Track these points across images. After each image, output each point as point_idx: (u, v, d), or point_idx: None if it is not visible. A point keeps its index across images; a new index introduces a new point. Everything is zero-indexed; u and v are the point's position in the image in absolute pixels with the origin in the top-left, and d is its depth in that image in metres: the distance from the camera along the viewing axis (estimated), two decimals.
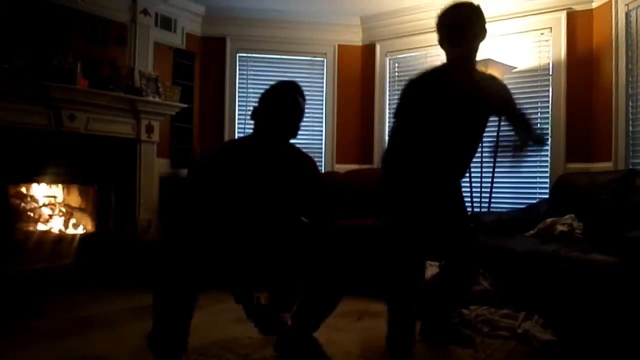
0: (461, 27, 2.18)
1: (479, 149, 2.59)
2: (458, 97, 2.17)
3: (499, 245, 3.10)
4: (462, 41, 2.19)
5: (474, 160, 3.99)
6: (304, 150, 2.33)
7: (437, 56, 4.41)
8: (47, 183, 3.75)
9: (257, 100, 2.16)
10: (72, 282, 3.35)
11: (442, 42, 2.26)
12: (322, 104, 4.89)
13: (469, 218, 2.76)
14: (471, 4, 2.23)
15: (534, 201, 3.86)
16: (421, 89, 2.22)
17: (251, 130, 2.22)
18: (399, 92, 2.31)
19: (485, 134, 2.52)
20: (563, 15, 3.89)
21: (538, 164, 4.05)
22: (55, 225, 3.81)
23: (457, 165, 2.41)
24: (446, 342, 2.46)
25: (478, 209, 4.01)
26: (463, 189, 4.27)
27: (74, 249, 3.72)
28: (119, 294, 3.32)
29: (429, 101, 2.15)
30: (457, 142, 2.26)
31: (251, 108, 2.18)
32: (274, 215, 2.11)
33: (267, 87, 2.18)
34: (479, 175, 4.05)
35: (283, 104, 2.10)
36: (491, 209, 4.00)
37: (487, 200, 4.02)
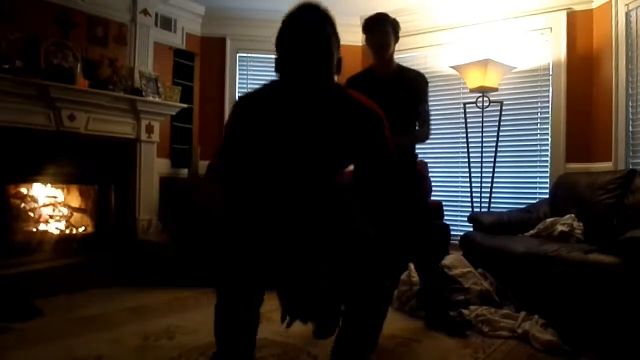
0: None
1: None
2: None
3: (499, 245, 3.11)
4: None
5: (474, 160, 4.06)
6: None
7: (438, 56, 4.44)
8: (47, 183, 3.75)
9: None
10: (72, 282, 3.35)
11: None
12: None
13: None
14: None
15: (534, 201, 3.85)
16: None
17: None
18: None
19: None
20: (563, 16, 3.89)
21: (538, 163, 4.05)
22: (55, 225, 3.81)
23: None
24: (444, 331, 2.58)
25: (478, 209, 4.02)
26: (463, 189, 4.33)
27: (74, 249, 3.72)
28: (119, 294, 3.32)
29: None
30: None
31: None
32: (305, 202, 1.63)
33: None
34: (479, 175, 4.05)
35: (298, 28, 1.59)
36: (491, 209, 4.00)
37: (487, 200, 4.02)
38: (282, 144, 1.62)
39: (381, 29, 2.62)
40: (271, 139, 1.62)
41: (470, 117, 4.11)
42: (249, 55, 4.83)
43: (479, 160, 4.06)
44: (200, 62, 4.74)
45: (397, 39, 2.68)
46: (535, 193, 4.05)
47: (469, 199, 4.12)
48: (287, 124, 1.61)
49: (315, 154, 1.63)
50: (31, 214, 3.69)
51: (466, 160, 4.16)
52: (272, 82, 1.71)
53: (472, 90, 3.96)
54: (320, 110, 1.62)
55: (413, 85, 2.69)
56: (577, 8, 3.87)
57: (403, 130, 2.63)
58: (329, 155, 1.65)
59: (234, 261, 1.64)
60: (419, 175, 2.72)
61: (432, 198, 4.10)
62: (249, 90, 1.80)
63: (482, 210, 4.00)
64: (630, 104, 3.50)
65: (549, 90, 3.98)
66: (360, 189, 1.75)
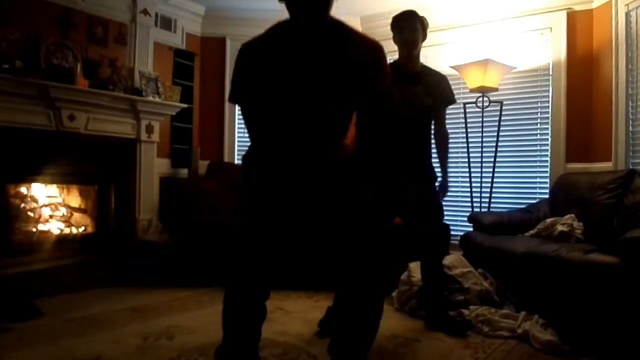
0: None
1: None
2: None
3: (499, 245, 3.11)
4: None
5: (474, 160, 4.06)
6: None
7: (437, 56, 4.44)
8: (47, 183, 3.75)
9: None
10: (72, 282, 3.35)
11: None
12: None
13: None
14: None
15: (534, 201, 3.85)
16: None
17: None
18: None
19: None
20: (563, 16, 3.89)
21: (538, 163, 4.05)
22: (55, 225, 3.81)
23: None
24: (444, 331, 2.61)
25: (478, 209, 4.02)
26: (463, 189, 4.33)
27: (74, 249, 3.72)
28: (119, 294, 3.32)
29: None
30: None
31: None
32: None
33: None
34: (479, 175, 4.05)
35: None
36: (491, 209, 4.00)
37: (487, 200, 4.02)
38: (286, 80, 1.65)
39: (410, 26, 2.59)
40: (276, 75, 1.64)
41: (470, 117, 4.11)
42: None
43: (479, 160, 4.06)
44: (200, 62, 4.74)
45: (424, 36, 2.65)
46: (535, 193, 4.05)
47: (469, 199, 4.12)
48: (290, 59, 1.64)
49: (320, 87, 1.64)
50: (31, 214, 3.69)
51: (466, 160, 4.16)
52: (277, 23, 1.75)
53: (472, 90, 3.96)
54: (324, 43, 1.65)
55: (436, 85, 2.71)
56: (577, 8, 3.86)
57: (423, 127, 2.71)
58: (333, 88, 1.65)
59: (241, 252, 1.66)
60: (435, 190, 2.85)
61: None
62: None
63: (482, 210, 4.00)
64: (630, 104, 3.50)
65: (549, 90, 3.98)
66: (362, 130, 1.78)
